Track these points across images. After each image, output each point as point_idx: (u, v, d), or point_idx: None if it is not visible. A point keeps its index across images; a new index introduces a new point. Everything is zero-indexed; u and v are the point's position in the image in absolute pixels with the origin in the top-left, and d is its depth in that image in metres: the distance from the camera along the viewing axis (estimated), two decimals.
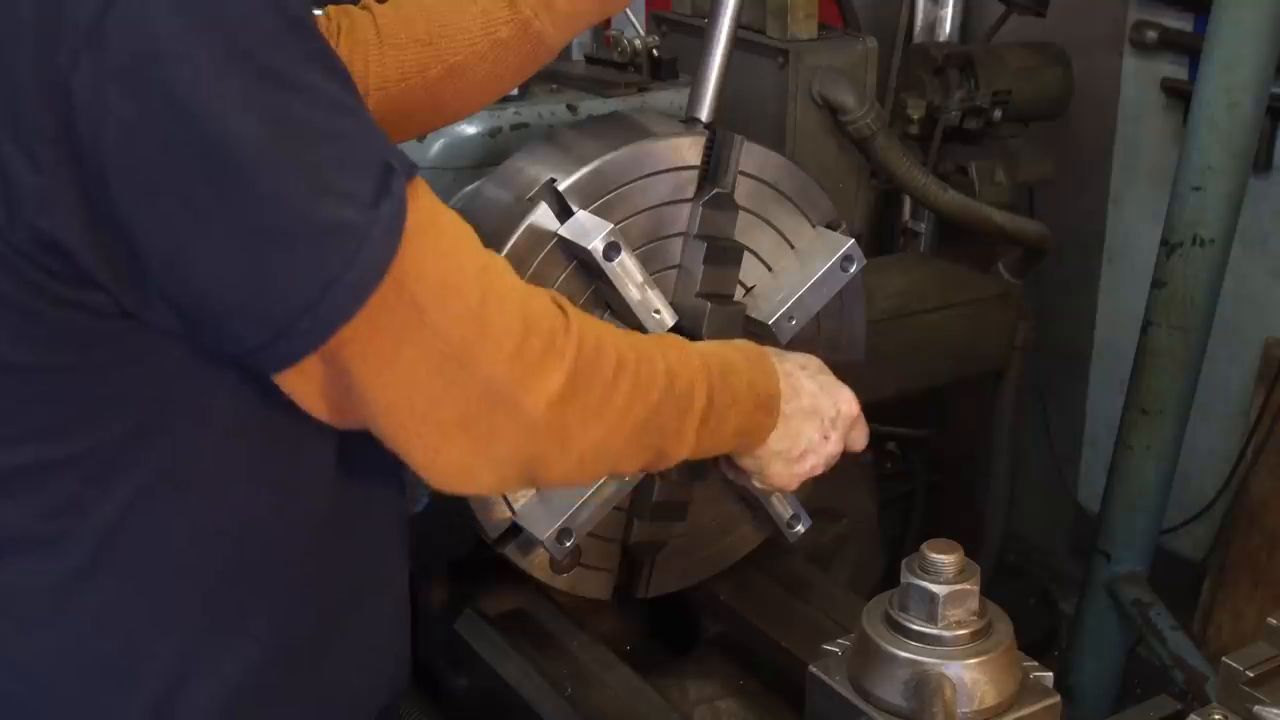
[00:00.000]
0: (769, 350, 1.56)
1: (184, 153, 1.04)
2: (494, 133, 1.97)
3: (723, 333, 1.71)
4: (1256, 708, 1.31)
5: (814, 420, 1.56)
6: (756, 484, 1.62)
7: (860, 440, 1.63)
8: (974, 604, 1.33)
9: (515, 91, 2.03)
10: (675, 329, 1.72)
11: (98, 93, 1.02)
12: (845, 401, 1.59)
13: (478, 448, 1.22)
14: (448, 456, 1.21)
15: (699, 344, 1.49)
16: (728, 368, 1.45)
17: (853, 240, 1.82)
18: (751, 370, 1.49)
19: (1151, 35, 3.12)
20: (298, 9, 1.10)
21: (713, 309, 1.73)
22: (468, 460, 1.23)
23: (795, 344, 1.85)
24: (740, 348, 1.53)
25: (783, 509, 1.85)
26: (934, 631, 1.31)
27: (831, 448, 1.59)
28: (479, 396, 1.19)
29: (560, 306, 1.26)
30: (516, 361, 1.19)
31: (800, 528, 1.86)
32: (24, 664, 1.22)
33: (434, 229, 1.17)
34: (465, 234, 1.22)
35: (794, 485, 1.61)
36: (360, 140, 1.13)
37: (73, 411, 1.17)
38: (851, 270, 1.82)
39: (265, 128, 1.06)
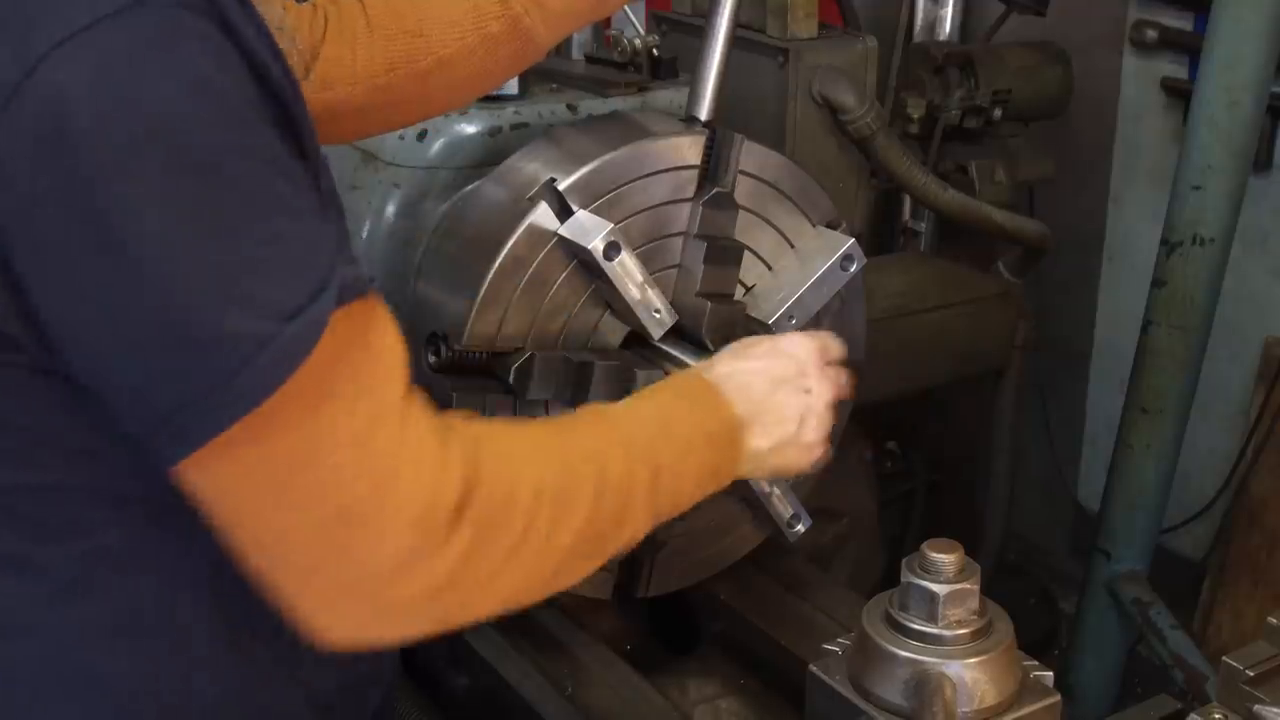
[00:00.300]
0: (699, 369, 1.49)
1: (80, 237, 1.00)
2: (494, 132, 1.97)
3: (723, 332, 1.71)
4: (1256, 707, 1.31)
5: (782, 391, 1.48)
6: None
7: (841, 383, 1.54)
8: (974, 603, 1.33)
9: (515, 91, 2.03)
10: (675, 329, 1.72)
11: (6, 157, 0.99)
12: (797, 345, 1.51)
13: (372, 613, 1.14)
14: (337, 618, 1.13)
15: (631, 404, 1.40)
16: (667, 420, 1.37)
17: (853, 240, 1.82)
18: (694, 406, 1.42)
19: (1151, 34, 3.12)
20: (237, 95, 1.04)
21: (713, 308, 1.73)
22: (360, 622, 1.15)
23: None
24: (673, 385, 1.47)
25: (783, 508, 1.85)
26: (934, 631, 1.31)
27: (821, 394, 1.50)
28: (372, 566, 1.10)
29: (473, 448, 1.16)
30: (416, 529, 1.10)
31: (800, 527, 1.86)
32: (7, 672, 1.21)
33: (349, 370, 1.08)
34: (391, 375, 1.12)
35: (818, 454, 1.52)
36: (296, 246, 1.05)
37: (39, 448, 1.15)
38: (852, 270, 1.82)
39: (174, 222, 1.00)
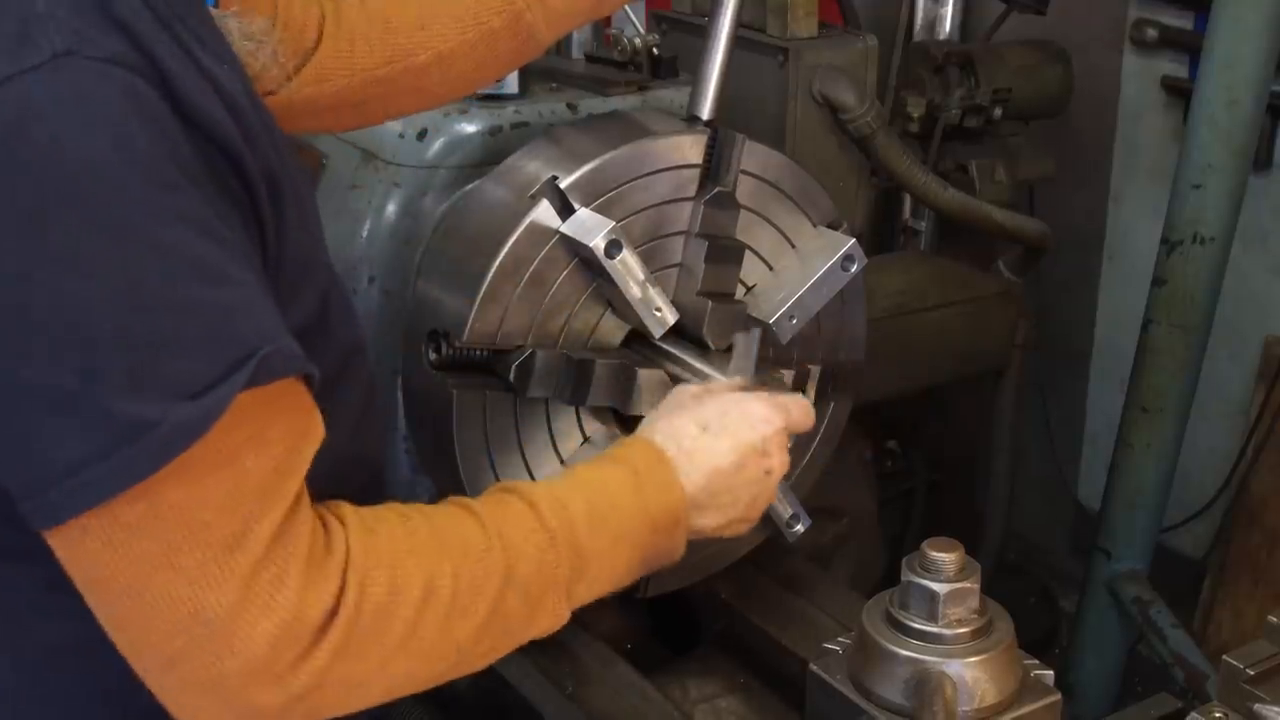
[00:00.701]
0: (662, 446, 1.40)
1: None
2: (494, 131, 1.97)
3: (723, 330, 1.71)
4: (1257, 706, 1.31)
5: (744, 473, 1.43)
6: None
7: (803, 421, 1.50)
8: (974, 602, 1.33)
9: (515, 90, 2.03)
10: (676, 328, 1.72)
11: None
12: (768, 418, 1.46)
13: (233, 715, 1.10)
14: (195, 711, 1.10)
15: (573, 484, 1.32)
16: (608, 506, 1.31)
17: (854, 240, 1.82)
18: (639, 489, 1.34)
19: (1151, 33, 3.12)
20: (164, 156, 1.00)
21: (713, 307, 1.73)
22: (215, 714, 1.11)
23: (796, 343, 1.85)
24: (628, 460, 1.37)
25: (782, 509, 1.84)
26: (935, 630, 1.31)
27: (776, 474, 1.47)
28: (233, 671, 1.06)
29: (348, 552, 1.12)
30: (277, 643, 1.06)
31: (800, 527, 1.85)
32: (16, 656, 1.21)
33: (243, 462, 1.04)
34: (283, 480, 1.07)
35: (753, 524, 1.50)
36: (214, 318, 1.01)
37: None
38: (852, 270, 1.81)
39: (74, 287, 0.96)
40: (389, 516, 1.20)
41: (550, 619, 1.27)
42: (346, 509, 1.18)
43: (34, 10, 0.98)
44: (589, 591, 1.30)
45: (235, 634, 1.05)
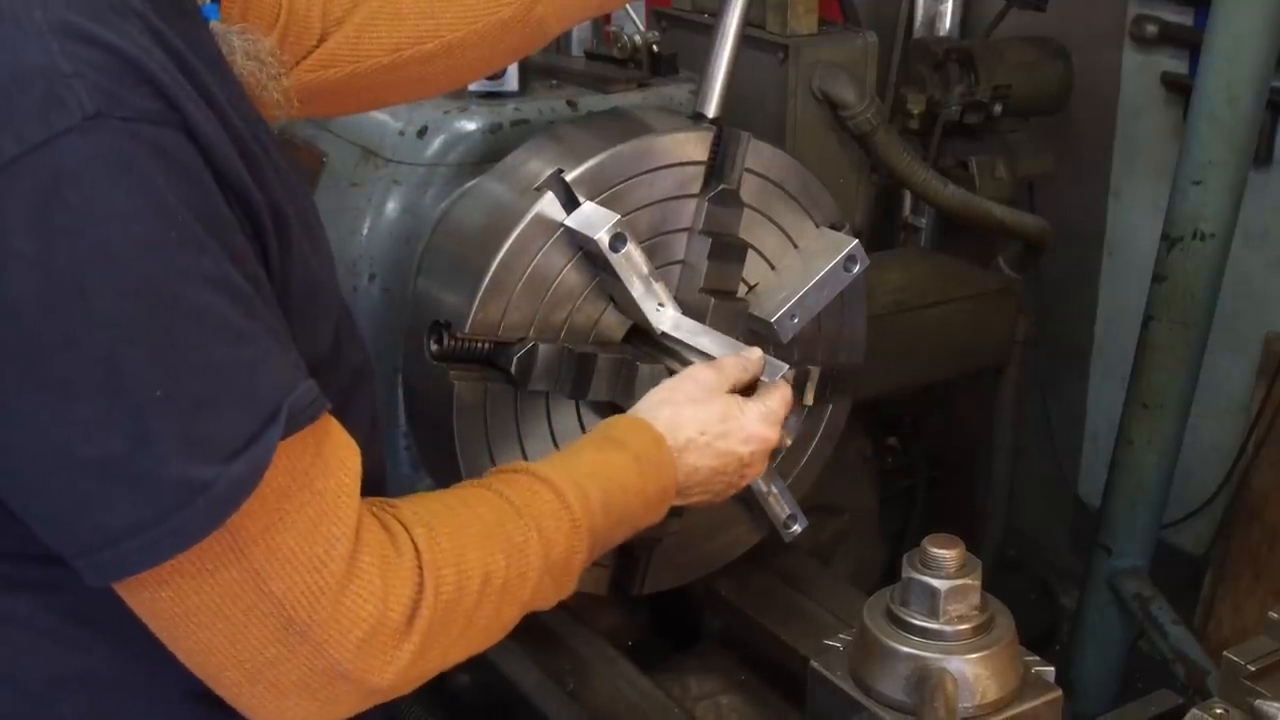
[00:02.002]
0: (661, 429, 1.46)
1: (12, 363, 0.97)
2: (494, 129, 1.97)
3: (724, 329, 1.71)
4: (1257, 702, 1.31)
5: (725, 475, 1.52)
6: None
7: (785, 409, 1.57)
8: (975, 599, 1.33)
9: (515, 87, 2.03)
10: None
11: None
12: (761, 434, 1.53)
13: (321, 709, 1.14)
14: (281, 712, 1.13)
15: (588, 464, 1.38)
16: (612, 492, 1.36)
17: (856, 241, 1.82)
18: (641, 473, 1.41)
19: (1151, 30, 3.12)
20: (193, 213, 1.00)
21: (716, 305, 1.73)
22: (308, 718, 1.15)
23: (796, 344, 1.85)
24: (630, 445, 1.43)
25: (779, 509, 1.84)
26: (935, 626, 1.31)
27: (748, 479, 1.56)
28: (322, 671, 1.11)
29: (419, 558, 1.16)
30: (364, 649, 1.11)
31: (797, 528, 1.85)
32: (24, 686, 1.20)
33: (304, 495, 1.08)
34: (343, 501, 1.11)
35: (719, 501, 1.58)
36: (244, 376, 1.03)
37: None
38: (855, 271, 1.81)
39: (115, 353, 0.97)
40: (439, 510, 1.24)
41: (563, 595, 1.34)
42: (401, 507, 1.22)
43: (60, 71, 0.97)
44: (588, 564, 1.37)
45: (327, 644, 1.10)
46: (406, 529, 1.18)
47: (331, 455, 1.12)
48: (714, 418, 1.50)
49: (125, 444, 0.99)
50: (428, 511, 1.22)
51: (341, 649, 1.10)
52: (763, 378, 1.58)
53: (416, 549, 1.17)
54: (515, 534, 1.26)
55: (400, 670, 1.15)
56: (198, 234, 1.01)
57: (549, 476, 1.32)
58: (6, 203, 0.95)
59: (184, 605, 1.06)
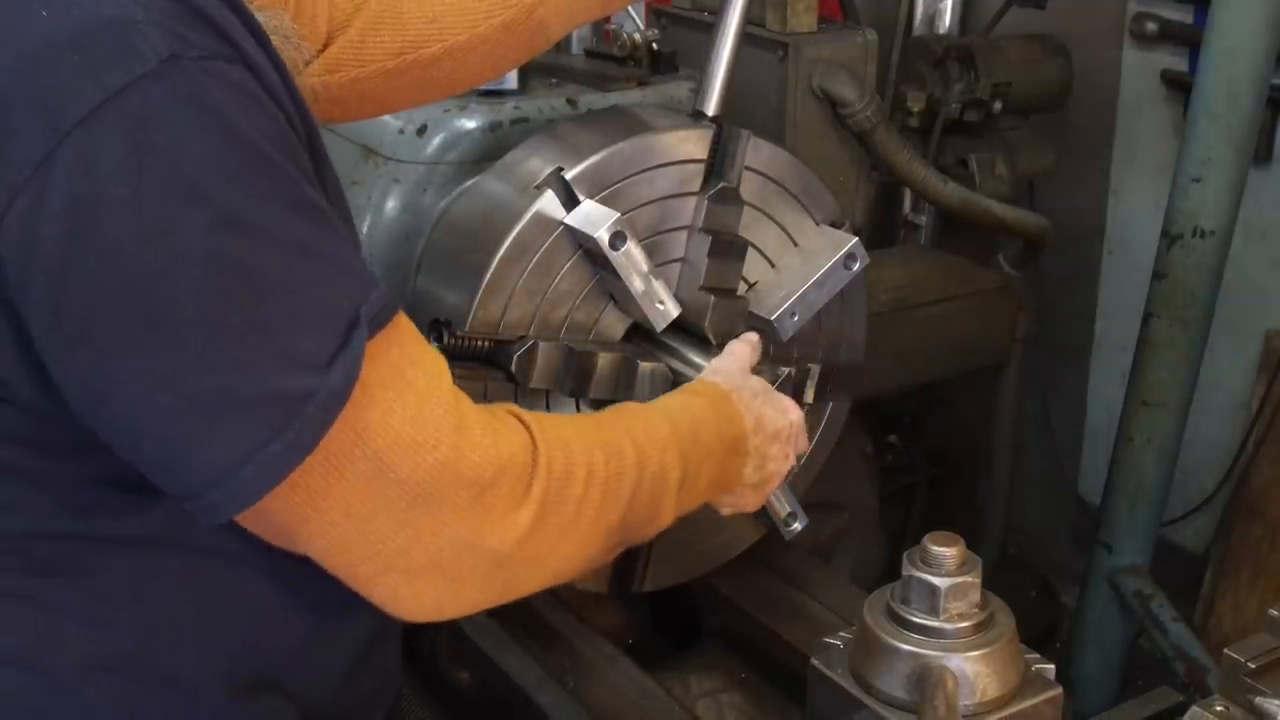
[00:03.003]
0: (725, 386, 1.52)
1: (113, 305, 1.01)
2: (494, 127, 1.97)
3: (725, 328, 1.71)
4: (1258, 699, 1.31)
5: (777, 444, 1.55)
6: (726, 512, 1.61)
7: (802, 442, 1.63)
8: (975, 596, 1.33)
9: (515, 86, 2.03)
10: (678, 322, 1.72)
11: (29, 233, 0.99)
12: (793, 410, 1.58)
13: (449, 587, 1.20)
14: (415, 596, 1.19)
15: (664, 402, 1.46)
16: (696, 424, 1.43)
17: (856, 239, 1.82)
18: (718, 418, 1.47)
19: (1151, 27, 3.12)
20: (266, 140, 1.05)
21: (716, 303, 1.73)
22: (439, 598, 1.21)
23: (796, 342, 1.85)
24: (703, 392, 1.50)
25: (780, 507, 1.84)
26: (936, 624, 1.31)
27: (790, 463, 1.59)
28: (449, 542, 1.17)
29: (529, 432, 1.23)
30: (486, 508, 1.17)
31: (797, 525, 1.85)
32: (51, 675, 1.21)
33: (401, 383, 1.13)
34: (438, 384, 1.17)
35: (759, 506, 1.61)
36: (324, 289, 1.08)
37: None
38: (854, 269, 1.81)
39: (210, 284, 1.01)
40: (536, 414, 1.28)
41: (659, 523, 1.38)
42: (500, 404, 1.27)
43: (133, 19, 1.01)
44: (687, 503, 1.41)
45: (452, 511, 1.15)
46: (513, 414, 1.25)
47: (412, 348, 1.17)
48: (760, 384, 1.56)
49: (229, 372, 1.03)
50: (527, 412, 1.27)
51: (464, 513, 1.15)
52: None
53: (526, 426, 1.23)
54: (611, 438, 1.31)
55: (521, 535, 1.19)
56: (273, 160, 1.06)
57: (634, 406, 1.42)
58: (96, 148, 0.99)
59: (316, 506, 1.10)
